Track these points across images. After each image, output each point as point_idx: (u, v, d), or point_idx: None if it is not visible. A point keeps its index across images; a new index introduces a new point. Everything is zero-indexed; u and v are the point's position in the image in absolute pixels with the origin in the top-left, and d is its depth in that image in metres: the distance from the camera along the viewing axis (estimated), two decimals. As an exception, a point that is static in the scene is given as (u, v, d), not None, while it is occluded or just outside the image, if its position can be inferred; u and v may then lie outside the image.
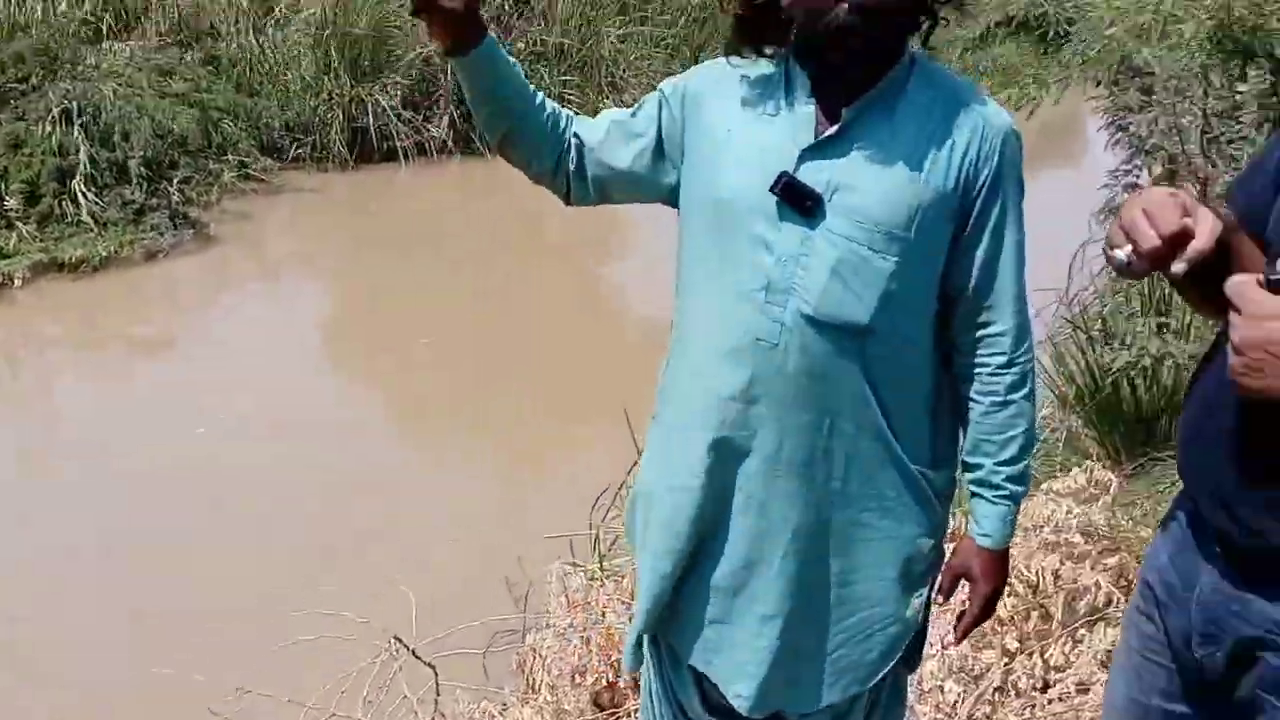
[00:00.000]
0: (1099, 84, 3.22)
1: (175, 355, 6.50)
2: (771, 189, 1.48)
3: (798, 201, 1.48)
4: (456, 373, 5.89)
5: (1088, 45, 3.16)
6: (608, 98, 13.43)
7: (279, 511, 4.46)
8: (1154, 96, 2.79)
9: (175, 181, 8.78)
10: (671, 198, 1.69)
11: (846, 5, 1.38)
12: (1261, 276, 1.07)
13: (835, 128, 1.49)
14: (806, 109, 1.51)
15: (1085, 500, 2.90)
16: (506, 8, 13.37)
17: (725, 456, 1.59)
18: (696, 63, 1.53)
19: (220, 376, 5.77)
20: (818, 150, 1.50)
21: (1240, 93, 2.61)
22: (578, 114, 1.71)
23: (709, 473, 1.61)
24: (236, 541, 4.23)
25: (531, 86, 1.65)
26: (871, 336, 1.52)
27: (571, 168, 1.67)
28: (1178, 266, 1.10)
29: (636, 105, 1.70)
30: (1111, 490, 2.98)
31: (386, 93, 11.24)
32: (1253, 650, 1.22)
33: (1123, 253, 1.14)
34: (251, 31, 11.73)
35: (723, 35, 15.44)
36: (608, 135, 1.67)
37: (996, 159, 1.51)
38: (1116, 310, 4.34)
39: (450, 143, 11.64)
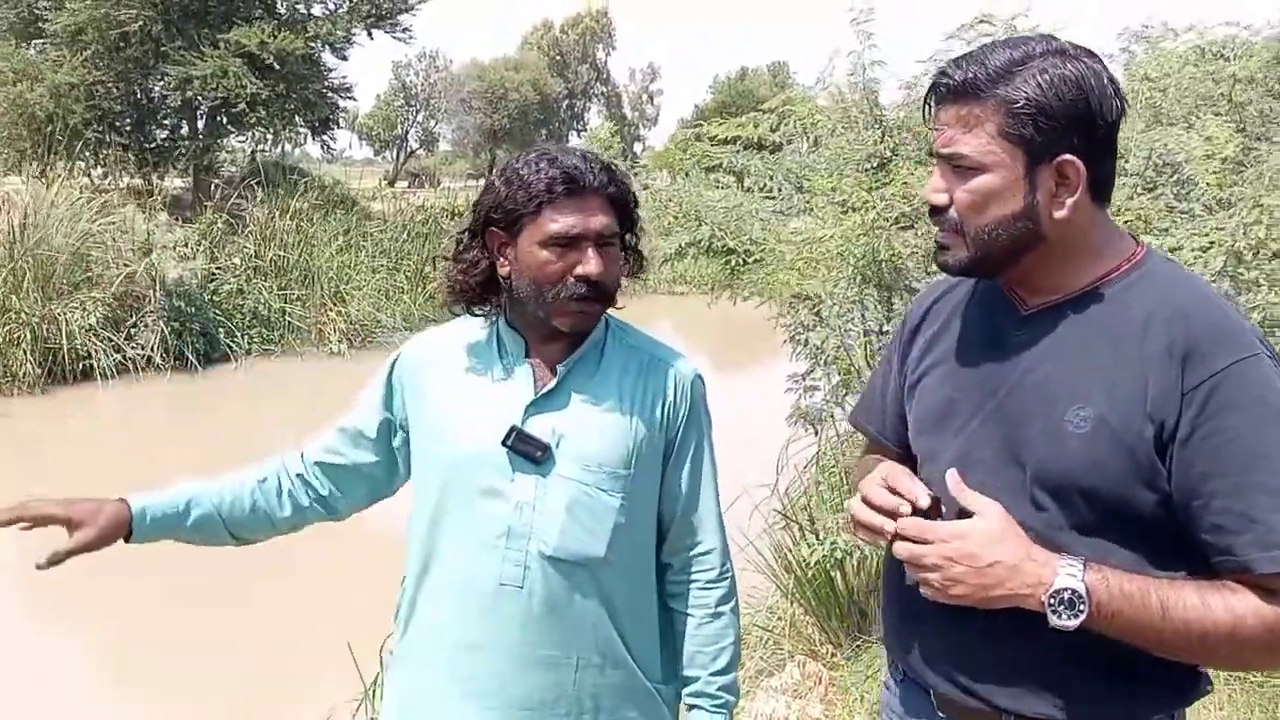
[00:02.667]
0: (776, 301, 3.64)
1: None
2: (504, 442, 1.58)
3: (529, 452, 1.58)
4: (168, 612, 5.37)
5: (770, 271, 3.58)
6: (331, 309, 13.39)
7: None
8: (824, 318, 3.20)
9: None
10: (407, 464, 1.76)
11: (573, 278, 1.55)
12: (923, 502, 1.28)
13: (554, 382, 1.62)
14: (523, 367, 1.64)
15: (801, 694, 3.04)
16: (219, 225, 13.21)
17: (478, 701, 1.61)
18: (422, 274, 1.58)
19: None
20: (541, 403, 1.61)
21: (890, 317, 3.07)
22: (303, 448, 1.76)
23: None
24: None
25: (229, 492, 1.72)
26: (607, 568, 1.61)
27: (323, 494, 1.76)
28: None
29: (356, 408, 1.78)
30: (824, 682, 3.16)
31: (85, 310, 10.62)
32: None
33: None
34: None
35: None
36: (338, 443, 1.76)
37: (690, 399, 1.69)
38: (820, 501, 4.65)
39: (159, 359, 11.12)
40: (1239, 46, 4.85)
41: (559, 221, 1.55)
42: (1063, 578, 1.20)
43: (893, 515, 1.30)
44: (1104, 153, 1.28)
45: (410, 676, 1.69)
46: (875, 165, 3.57)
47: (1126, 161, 3.79)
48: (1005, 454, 1.30)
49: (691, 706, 1.72)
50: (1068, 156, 1.25)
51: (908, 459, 1.49)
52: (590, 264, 1.55)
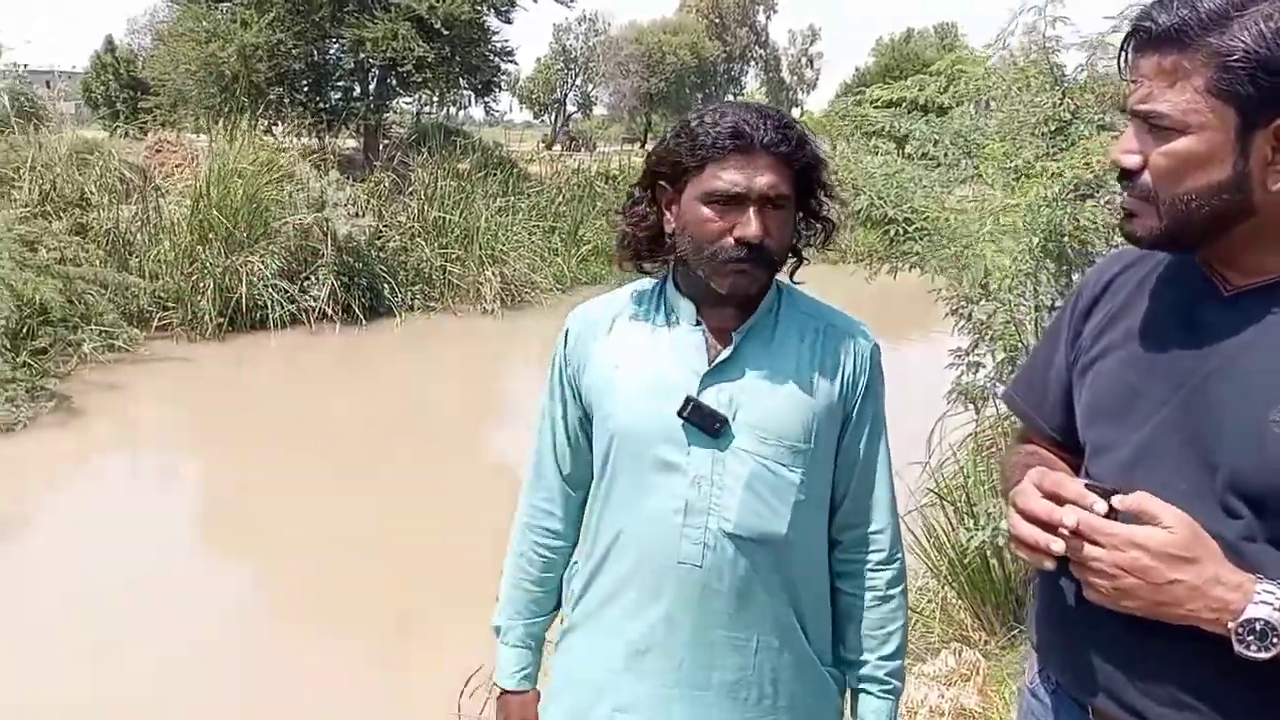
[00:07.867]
0: (940, 272, 3.47)
1: (30, 533, 6.07)
2: (680, 413, 1.51)
3: (706, 424, 1.51)
4: (324, 553, 5.66)
5: (934, 242, 3.42)
6: (488, 268, 13.74)
7: (141, 692, 4.12)
8: (991, 290, 3.03)
9: (27, 352, 8.46)
10: None
11: (732, 240, 1.47)
12: (1100, 508, 1.12)
13: (729, 350, 1.54)
14: (695, 335, 1.57)
15: (954, 683, 2.92)
16: (386, 184, 13.71)
17: (654, 682, 1.57)
18: (576, 236, 1.55)
19: (78, 556, 5.42)
20: (716, 373, 1.54)
21: (1065, 292, 2.88)
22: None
23: (637, 702, 1.58)
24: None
25: (538, 600, 1.77)
26: (788, 547, 1.54)
27: (583, 492, 1.72)
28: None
29: (540, 430, 1.74)
30: (981, 671, 3.02)
31: (263, 262, 11.23)
32: None
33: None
34: (121, 203, 11.68)
35: (602, 218, 15.78)
36: (556, 456, 1.72)
37: (869, 371, 1.60)
38: (979, 482, 4.46)
39: (330, 311, 11.68)
40: None
41: (721, 179, 1.48)
42: (1256, 606, 1.05)
43: (1055, 530, 1.13)
44: None
45: (581, 655, 1.65)
46: (1053, 130, 3.35)
47: None
48: (1194, 452, 1.15)
49: (859, 691, 1.64)
50: None
51: (1067, 450, 1.35)
52: (750, 226, 1.47)
